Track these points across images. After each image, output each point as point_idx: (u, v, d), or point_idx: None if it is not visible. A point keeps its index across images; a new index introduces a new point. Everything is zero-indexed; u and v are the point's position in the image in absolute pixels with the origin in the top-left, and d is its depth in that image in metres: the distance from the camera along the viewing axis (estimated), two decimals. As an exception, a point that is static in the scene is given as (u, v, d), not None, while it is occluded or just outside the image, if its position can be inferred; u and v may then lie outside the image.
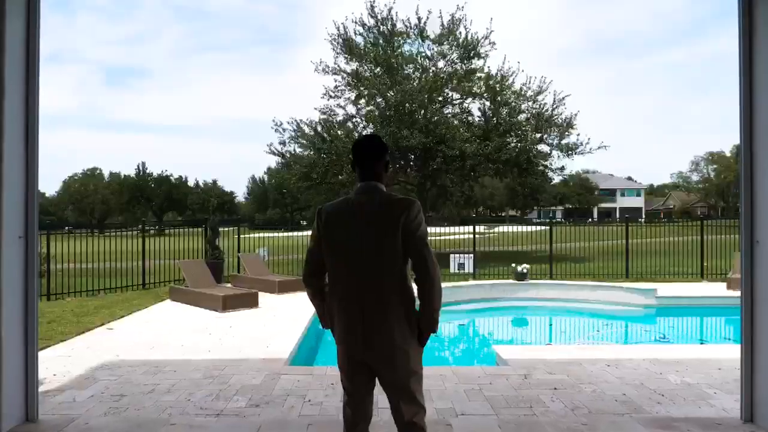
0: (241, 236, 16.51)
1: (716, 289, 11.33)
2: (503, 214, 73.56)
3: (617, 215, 78.23)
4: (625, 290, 11.12)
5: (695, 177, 79.55)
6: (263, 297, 10.03)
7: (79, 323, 7.73)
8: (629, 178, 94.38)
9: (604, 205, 78.31)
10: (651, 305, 10.62)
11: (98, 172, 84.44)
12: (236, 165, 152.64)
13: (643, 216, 79.67)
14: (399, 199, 2.34)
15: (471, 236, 19.95)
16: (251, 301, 9.00)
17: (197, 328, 7.46)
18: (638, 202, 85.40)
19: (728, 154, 74.81)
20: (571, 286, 11.68)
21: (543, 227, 19.60)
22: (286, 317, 8.17)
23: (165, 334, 7.06)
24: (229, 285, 11.68)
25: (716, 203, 75.90)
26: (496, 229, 25.10)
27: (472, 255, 13.35)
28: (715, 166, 75.31)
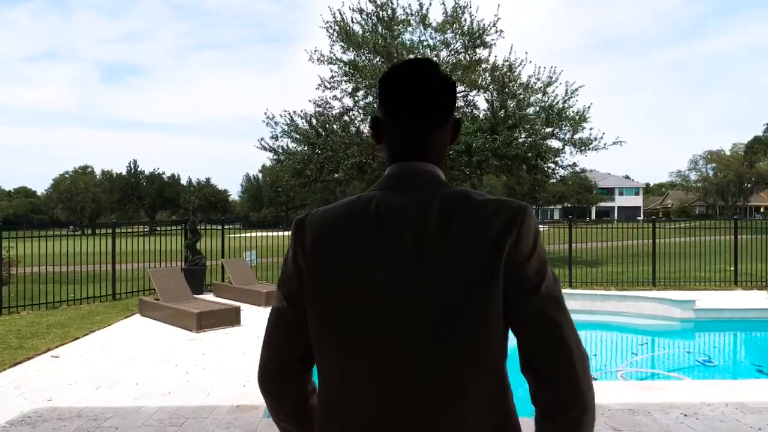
0: (233, 236, 15.19)
1: (758, 299, 10.11)
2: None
3: (615, 214, 77.39)
4: (657, 301, 9.84)
5: (694, 176, 78.87)
6: (248, 311, 8.72)
7: (20, 348, 6.39)
8: (626, 177, 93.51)
9: (602, 204, 77.43)
10: (689, 319, 9.35)
11: (89, 170, 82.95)
12: (232, 163, 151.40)
13: (642, 215, 78.88)
14: (491, 201, 1.01)
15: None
16: (232, 318, 7.68)
17: (162, 355, 6.13)
18: (636, 200, 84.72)
19: (728, 153, 74.00)
20: (595, 296, 10.40)
21: (545, 227, 18.39)
22: (271, 339, 6.85)
23: (120, 366, 5.73)
24: (210, 295, 10.37)
25: (715, 202, 75.25)
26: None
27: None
28: (714, 165, 74.62)
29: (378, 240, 0.99)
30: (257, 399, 4.60)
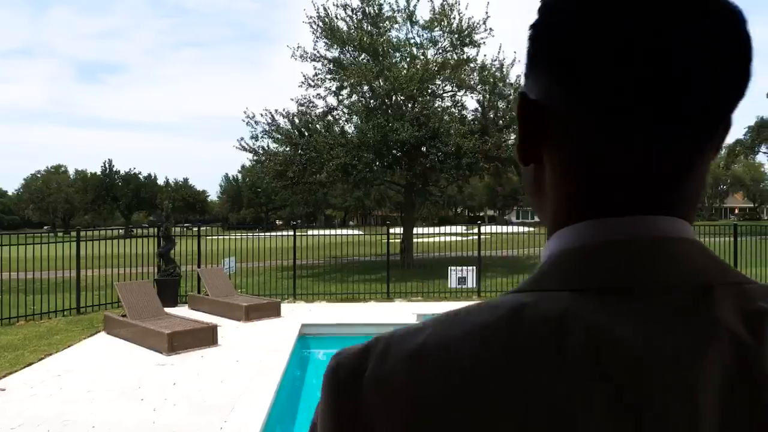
0: (211, 237, 14.41)
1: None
2: (482, 215, 72.36)
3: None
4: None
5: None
6: (226, 327, 7.96)
7: (-38, 379, 5.56)
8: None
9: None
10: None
11: (63, 169, 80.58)
12: (211, 163, 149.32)
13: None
14: None
15: (460, 239, 18.07)
16: (208, 338, 6.91)
17: (127, 386, 5.35)
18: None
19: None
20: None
21: (532, 229, 17.92)
22: (253, 363, 6.12)
23: (76, 401, 4.94)
24: (185, 308, 9.57)
25: (693, 203, 76.44)
26: (476, 230, 23.12)
27: (474, 266, 11.41)
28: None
29: None
30: (236, 448, 3.89)
